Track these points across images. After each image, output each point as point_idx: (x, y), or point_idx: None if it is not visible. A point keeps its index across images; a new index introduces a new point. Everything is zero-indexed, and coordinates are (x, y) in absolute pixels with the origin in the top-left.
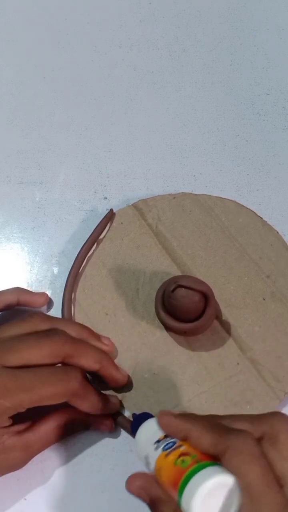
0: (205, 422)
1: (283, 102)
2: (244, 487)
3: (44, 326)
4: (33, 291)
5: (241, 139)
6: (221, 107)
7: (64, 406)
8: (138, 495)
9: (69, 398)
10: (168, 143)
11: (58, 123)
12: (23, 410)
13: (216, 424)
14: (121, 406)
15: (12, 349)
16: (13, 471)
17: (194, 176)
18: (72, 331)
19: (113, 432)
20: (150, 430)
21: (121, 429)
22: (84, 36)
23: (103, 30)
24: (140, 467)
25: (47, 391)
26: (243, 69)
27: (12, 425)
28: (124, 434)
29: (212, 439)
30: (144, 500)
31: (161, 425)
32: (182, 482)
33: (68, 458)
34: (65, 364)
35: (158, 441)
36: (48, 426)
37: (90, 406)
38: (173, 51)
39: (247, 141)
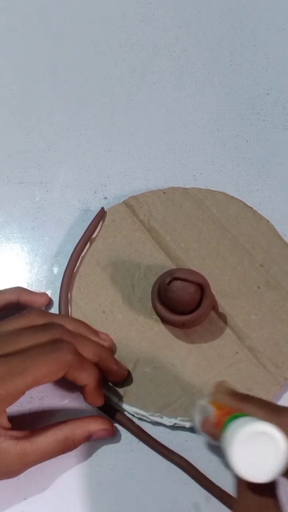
0: (258, 401)
1: (283, 102)
2: None
3: (41, 321)
4: (34, 291)
5: (241, 139)
6: (221, 107)
7: (65, 420)
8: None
9: (66, 372)
10: (168, 143)
11: (58, 123)
12: (22, 395)
13: (268, 402)
14: (121, 401)
15: (10, 343)
16: (5, 478)
17: (194, 176)
18: (70, 326)
19: (113, 435)
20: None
21: (121, 430)
22: (84, 36)
23: (103, 30)
24: (140, 468)
25: (41, 370)
26: (243, 69)
27: (11, 430)
28: (124, 434)
29: (265, 415)
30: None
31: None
32: (228, 418)
33: (67, 458)
34: None
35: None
36: (47, 439)
37: (89, 377)
38: (173, 51)
39: (247, 141)
